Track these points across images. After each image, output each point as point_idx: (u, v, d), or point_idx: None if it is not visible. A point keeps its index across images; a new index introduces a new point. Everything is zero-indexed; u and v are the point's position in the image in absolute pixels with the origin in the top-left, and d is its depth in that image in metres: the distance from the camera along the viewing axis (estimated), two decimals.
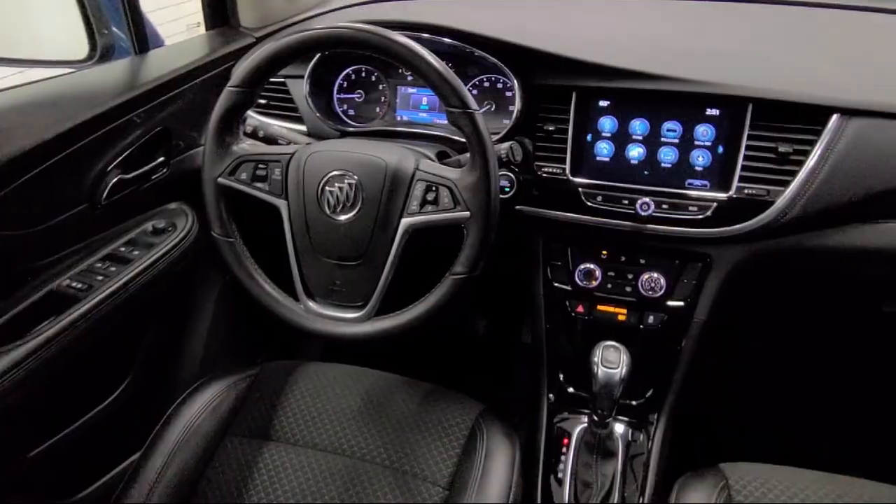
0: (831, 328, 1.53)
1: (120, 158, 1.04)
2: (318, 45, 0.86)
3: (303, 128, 1.18)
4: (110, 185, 1.04)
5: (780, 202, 0.94)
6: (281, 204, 0.91)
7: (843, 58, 1.05)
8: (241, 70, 0.88)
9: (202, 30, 1.33)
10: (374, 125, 1.18)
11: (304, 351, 1.66)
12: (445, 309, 0.87)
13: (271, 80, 1.04)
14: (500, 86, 1.12)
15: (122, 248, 1.07)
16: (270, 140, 1.04)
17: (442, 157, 1.03)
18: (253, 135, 1.04)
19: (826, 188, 0.93)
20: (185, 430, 0.96)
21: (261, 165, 0.91)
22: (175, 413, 0.99)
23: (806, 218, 0.95)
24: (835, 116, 0.92)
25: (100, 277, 1.00)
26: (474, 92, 1.13)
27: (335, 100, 1.21)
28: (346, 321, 0.91)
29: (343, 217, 0.88)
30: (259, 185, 0.91)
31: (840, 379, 1.59)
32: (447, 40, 1.08)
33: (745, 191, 0.96)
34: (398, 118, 1.19)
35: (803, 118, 0.94)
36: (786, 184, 0.94)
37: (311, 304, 0.93)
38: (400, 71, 1.18)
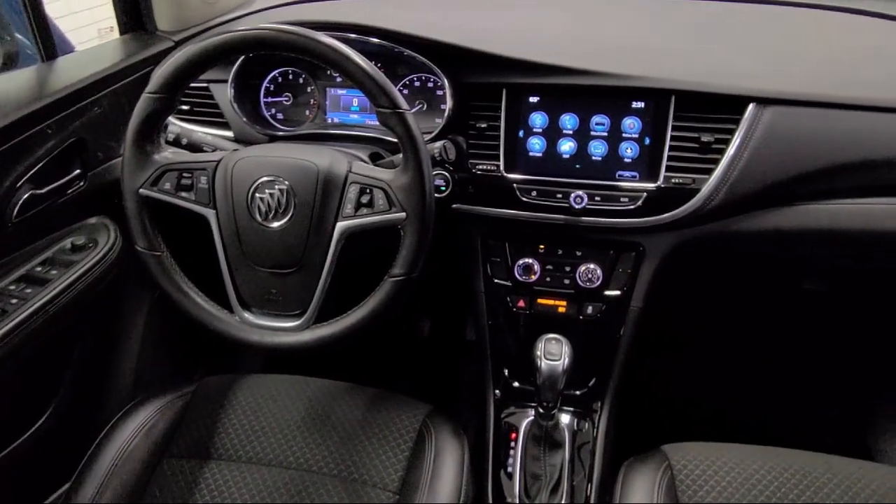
0: (757, 307, 1.61)
1: (31, 172, 0.98)
2: (239, 48, 0.83)
3: (229, 133, 1.14)
4: (21, 201, 0.97)
5: (705, 189, 0.98)
6: (209, 213, 0.88)
7: (759, 50, 1.10)
8: (159, 75, 0.84)
9: (116, 35, 1.27)
10: (305, 128, 1.16)
11: (244, 364, 1.61)
12: (386, 312, 0.86)
13: (193, 84, 1.00)
14: (430, 85, 1.12)
15: (39, 269, 1.00)
16: (195, 147, 1.00)
17: (375, 159, 1.02)
18: (175, 142, 0.99)
19: (747, 174, 0.97)
20: (117, 455, 0.91)
21: (185, 174, 0.87)
22: (106, 439, 0.93)
23: (729, 204, 0.99)
24: (751, 105, 0.96)
25: (14, 301, 0.94)
26: (405, 91, 1.12)
27: (262, 104, 1.17)
28: (284, 331, 0.88)
29: (275, 224, 0.85)
30: (184, 194, 0.87)
31: (768, 355, 1.67)
32: (375, 40, 1.07)
33: (672, 180, 0.99)
34: (329, 120, 1.17)
35: (723, 108, 0.97)
36: (709, 172, 0.98)
37: (246, 315, 0.90)
38: (329, 72, 1.15)
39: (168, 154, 0.89)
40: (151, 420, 0.96)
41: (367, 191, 0.84)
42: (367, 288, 0.87)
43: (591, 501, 1.09)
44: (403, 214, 0.83)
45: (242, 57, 1.10)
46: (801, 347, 1.65)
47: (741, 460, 0.90)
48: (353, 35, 1.06)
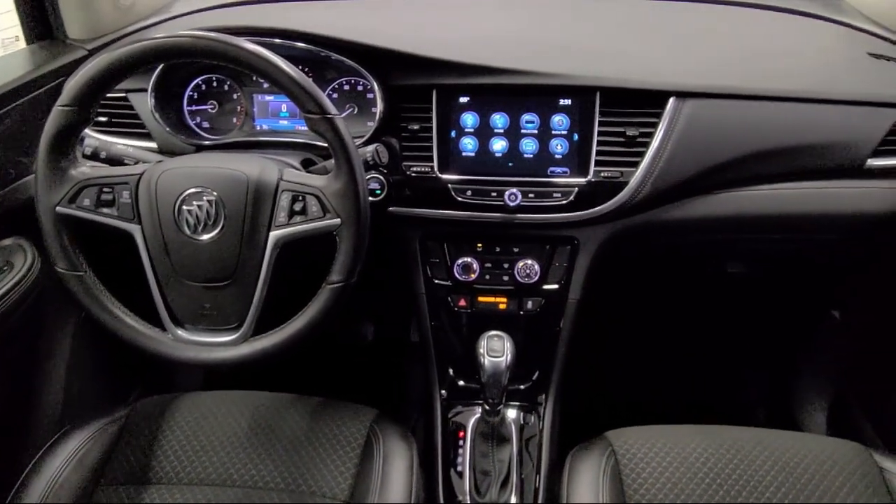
0: (687, 293, 1.68)
1: None
2: (157, 56, 0.80)
3: (152, 145, 1.10)
4: None
5: (633, 182, 1.01)
6: (134, 229, 0.84)
7: (678, 46, 1.14)
8: (71, 86, 0.80)
9: (22, 44, 1.20)
10: (232, 136, 1.13)
11: (183, 382, 1.56)
12: (326, 320, 0.84)
13: (111, 95, 0.96)
14: (360, 88, 1.11)
15: None
16: (115, 161, 0.96)
17: (308, 165, 1.00)
18: (94, 156, 0.95)
19: (671, 166, 1.01)
20: (46, 489, 0.86)
21: (106, 189, 0.83)
22: (33, 472, 0.89)
23: (656, 194, 1.03)
24: (672, 99, 1.00)
25: None
26: (334, 96, 1.11)
27: (186, 112, 1.13)
28: (220, 345, 0.86)
29: (205, 237, 0.83)
30: (106, 210, 0.84)
31: (699, 337, 1.75)
32: (300, 45, 1.05)
33: (602, 174, 1.02)
34: (258, 127, 1.14)
35: (645, 103, 1.01)
36: (636, 164, 1.01)
37: (179, 332, 0.87)
38: (254, 78, 1.13)
39: (86, 169, 0.85)
40: (83, 448, 0.92)
41: (300, 198, 0.83)
42: (305, 296, 0.86)
43: (540, 492, 1.11)
44: (338, 220, 0.82)
45: (162, 65, 1.06)
46: (730, 329, 1.73)
47: (680, 440, 0.94)
48: (277, 40, 1.04)
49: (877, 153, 1.03)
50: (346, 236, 0.82)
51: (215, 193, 0.82)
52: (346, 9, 1.28)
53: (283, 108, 1.13)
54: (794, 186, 1.06)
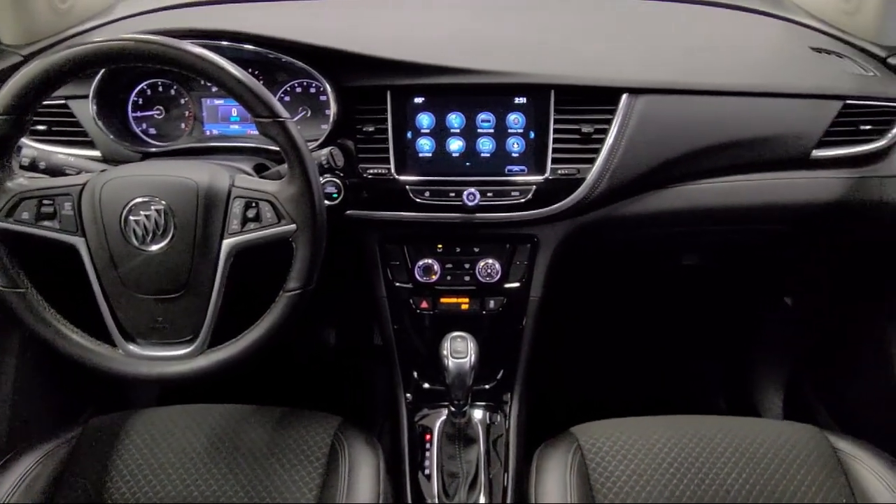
0: (646, 286, 1.71)
1: None
2: (98, 61, 0.77)
3: (96, 153, 1.06)
4: None
5: (590, 178, 1.02)
6: (78, 242, 0.80)
7: (630, 43, 1.16)
8: (5, 93, 0.76)
9: None
10: (181, 143, 1.09)
11: (138, 398, 1.50)
12: (285, 328, 0.82)
13: (49, 101, 0.92)
14: (312, 90, 1.09)
15: None
16: (55, 171, 0.91)
17: (261, 170, 0.98)
18: (32, 167, 0.90)
19: (626, 161, 1.02)
20: None
21: (46, 201, 0.80)
22: None
23: (613, 190, 1.04)
24: (624, 96, 1.01)
25: None
26: (286, 98, 1.09)
27: (131, 119, 1.09)
28: (175, 359, 0.83)
29: (154, 247, 0.80)
30: (47, 223, 0.80)
31: (659, 330, 1.78)
32: (249, 47, 1.02)
33: (559, 171, 1.02)
34: (207, 133, 1.11)
35: (599, 100, 1.02)
36: (592, 161, 1.02)
37: (131, 347, 0.84)
38: (203, 82, 1.09)
39: (23, 181, 0.81)
40: (31, 473, 0.87)
41: (253, 204, 0.81)
42: (262, 305, 0.84)
43: (509, 491, 1.11)
44: (293, 226, 0.80)
45: (104, 70, 1.02)
46: (687, 320, 1.77)
47: (644, 432, 0.95)
48: (225, 42, 1.01)
49: (821, 144, 1.07)
50: (303, 242, 0.80)
51: (164, 202, 0.80)
52: (297, 9, 1.25)
53: (234, 112, 1.11)
54: (745, 178, 1.08)
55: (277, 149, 0.79)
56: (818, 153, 1.07)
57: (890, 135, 1.07)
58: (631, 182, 1.04)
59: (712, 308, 1.74)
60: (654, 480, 0.89)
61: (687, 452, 0.92)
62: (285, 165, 0.81)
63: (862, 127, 1.07)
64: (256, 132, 1.02)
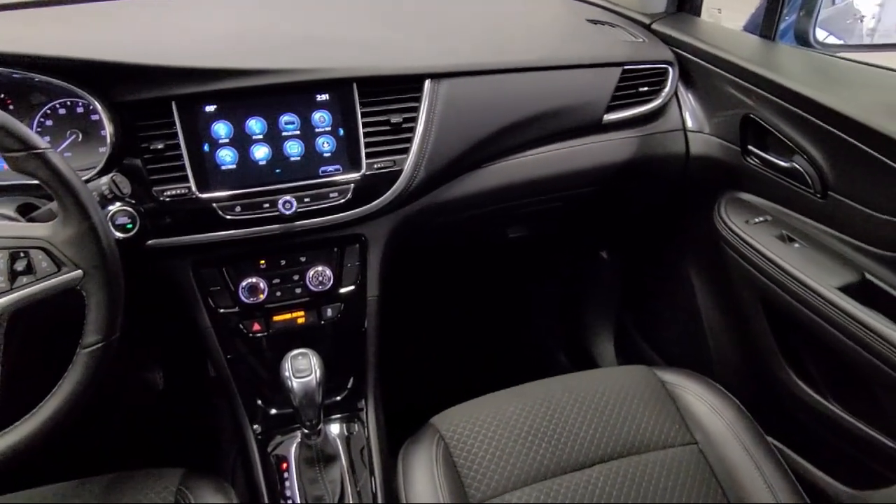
0: (478, 265, 1.76)
1: None
2: None
3: None
4: None
5: (407, 169, 1.01)
6: None
7: (426, 31, 1.16)
8: None
9: None
10: None
11: None
12: (89, 389, 0.71)
13: None
14: (80, 110, 0.94)
15: None
16: None
17: (28, 211, 0.82)
18: None
19: (439, 147, 1.02)
20: None
21: None
22: None
23: (432, 177, 1.03)
24: (427, 82, 1.01)
25: None
26: (48, 123, 0.93)
27: None
28: None
29: None
30: None
31: (497, 304, 1.85)
32: None
33: (375, 166, 1.00)
34: None
35: (403, 88, 1.00)
36: (406, 151, 1.01)
37: None
38: None
39: None
40: None
41: (21, 254, 0.68)
42: (63, 365, 0.71)
43: (379, 496, 1.08)
44: (79, 272, 0.68)
45: None
46: (522, 289, 1.86)
47: (499, 408, 0.97)
48: None
49: (610, 109, 1.16)
50: (94, 289, 0.69)
51: None
52: (42, 18, 1.08)
53: None
54: (550, 149, 1.15)
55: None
56: (608, 117, 1.16)
57: (664, 93, 1.19)
58: (447, 166, 1.05)
59: (542, 273, 1.84)
60: (516, 452, 0.91)
61: (540, 417, 0.96)
62: (55, 203, 0.69)
63: (640, 89, 1.18)
64: None
